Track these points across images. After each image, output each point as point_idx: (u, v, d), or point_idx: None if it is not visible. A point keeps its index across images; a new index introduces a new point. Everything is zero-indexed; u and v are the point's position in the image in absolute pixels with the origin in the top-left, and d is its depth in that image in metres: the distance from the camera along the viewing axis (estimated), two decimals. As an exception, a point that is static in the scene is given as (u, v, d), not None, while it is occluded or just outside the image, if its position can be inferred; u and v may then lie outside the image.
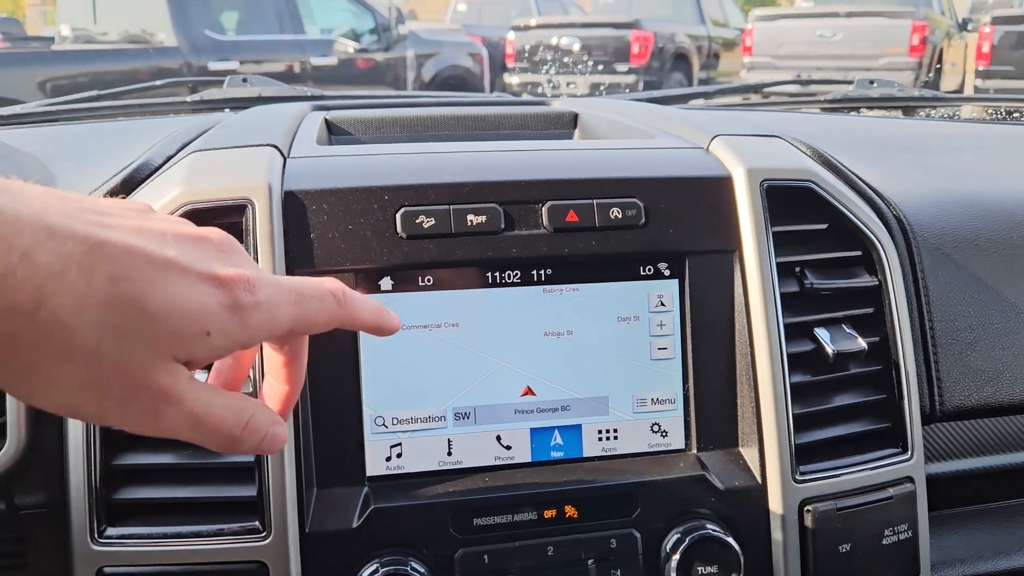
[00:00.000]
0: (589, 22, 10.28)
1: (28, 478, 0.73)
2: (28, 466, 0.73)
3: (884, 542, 0.80)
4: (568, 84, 9.01)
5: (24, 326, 0.39)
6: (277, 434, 0.50)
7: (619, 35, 9.45)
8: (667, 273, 0.79)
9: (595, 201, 0.77)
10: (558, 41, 9.40)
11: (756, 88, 1.94)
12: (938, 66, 9.16)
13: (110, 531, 0.69)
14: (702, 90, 1.71)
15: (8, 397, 0.72)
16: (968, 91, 8.74)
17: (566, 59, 9.16)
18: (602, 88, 8.49)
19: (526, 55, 9.24)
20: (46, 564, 0.80)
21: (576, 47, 9.31)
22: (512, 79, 9.47)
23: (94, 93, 1.49)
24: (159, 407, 0.43)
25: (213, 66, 5.98)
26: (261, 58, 6.45)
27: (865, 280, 0.83)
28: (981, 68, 8.34)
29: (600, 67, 9.15)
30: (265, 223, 0.71)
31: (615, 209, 0.77)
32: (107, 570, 0.69)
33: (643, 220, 0.77)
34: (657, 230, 0.78)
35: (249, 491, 0.70)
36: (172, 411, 0.44)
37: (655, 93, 1.71)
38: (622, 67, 9.39)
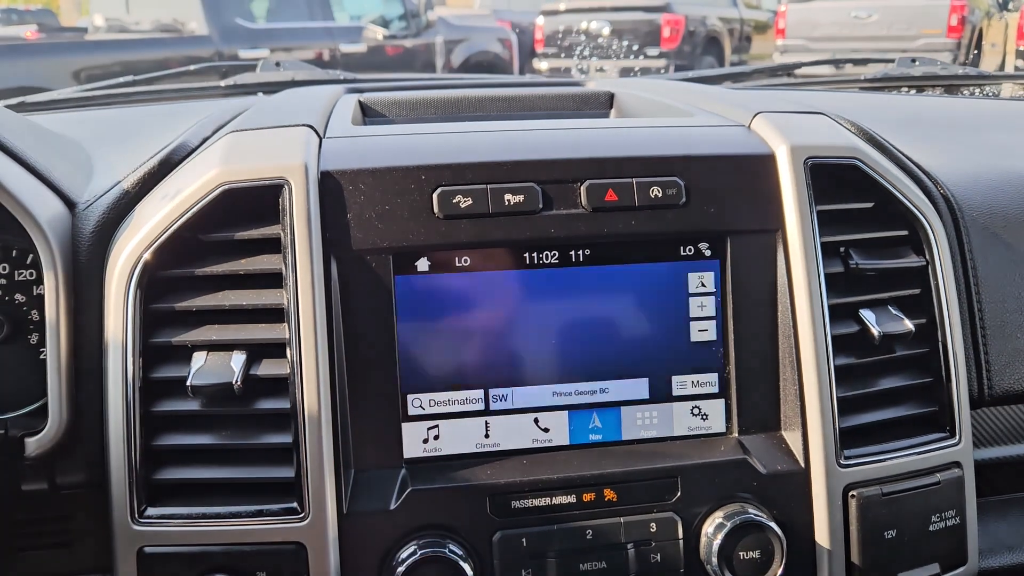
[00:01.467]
0: (619, 6, 10.17)
1: (69, 458, 0.74)
2: (69, 447, 0.73)
3: (931, 528, 0.78)
4: (598, 69, 8.93)
5: None
6: None
7: (650, 19, 9.34)
8: (708, 253, 0.77)
9: (635, 180, 0.75)
10: (588, 25, 9.32)
11: (792, 68, 1.90)
12: (975, 51, 8.96)
13: (150, 511, 0.70)
14: (736, 70, 1.68)
15: (50, 379, 0.72)
16: (1009, 71, 8.54)
17: (596, 43, 9.07)
18: (636, 71, 8.41)
19: (556, 40, 9.18)
20: (89, 543, 0.81)
21: (606, 31, 9.22)
22: (541, 64, 9.41)
23: (129, 78, 1.50)
24: None
25: (244, 54, 6.00)
26: (291, 45, 6.47)
27: (912, 260, 0.81)
28: (1022, 48, 8.14)
29: (631, 51, 9.06)
30: (302, 203, 0.71)
31: (655, 188, 0.75)
32: (147, 550, 0.69)
33: (683, 199, 0.76)
34: (698, 209, 0.76)
35: (287, 472, 0.70)
36: None
37: (689, 74, 1.68)
38: (653, 51, 9.29)
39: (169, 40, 6.33)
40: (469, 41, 8.01)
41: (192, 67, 1.57)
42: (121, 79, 1.49)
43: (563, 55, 8.99)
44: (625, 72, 8.53)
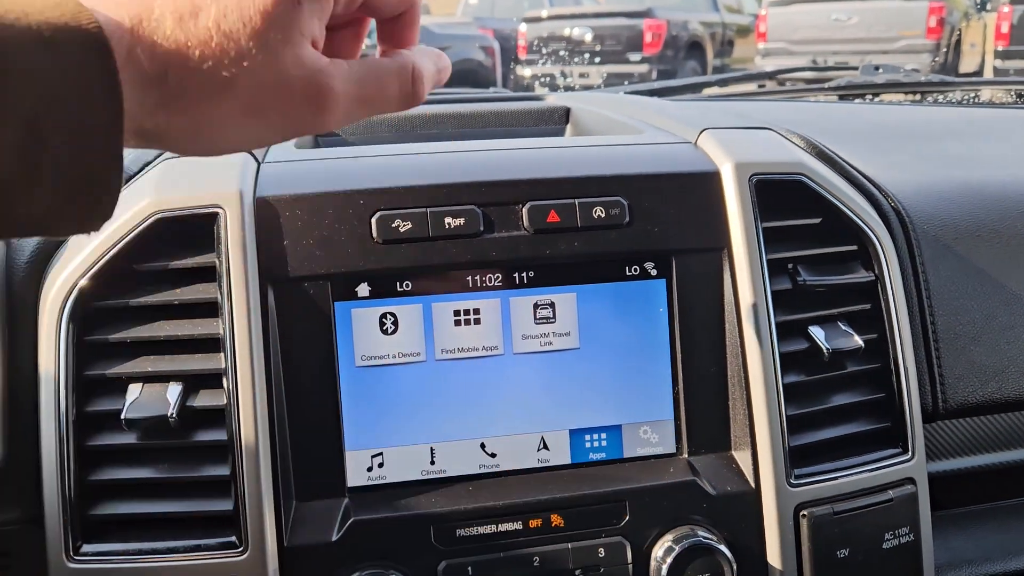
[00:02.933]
0: (601, 12, 10.20)
1: (3, 494, 0.72)
2: (2, 483, 0.72)
3: (884, 546, 0.77)
4: (581, 75, 8.95)
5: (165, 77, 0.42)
6: (442, 59, 0.53)
7: (632, 24, 9.37)
8: (654, 273, 0.76)
9: (577, 200, 0.74)
10: (570, 32, 9.35)
11: (764, 76, 1.90)
12: (951, 52, 9.01)
13: (86, 548, 0.68)
14: (707, 80, 1.68)
15: (-18, 413, 0.71)
16: (988, 73, 8.61)
17: (579, 50, 9.10)
18: (602, 80, 8.41)
19: (538, 47, 9.19)
20: (30, 579, 0.79)
21: (588, 37, 9.25)
22: (524, 71, 9.42)
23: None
24: (321, 84, 0.45)
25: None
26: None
27: (861, 276, 0.81)
28: (1000, 49, 8.20)
29: (613, 57, 9.08)
30: (236, 231, 0.70)
31: (598, 208, 0.74)
32: (83, 588, 0.67)
33: (627, 219, 0.75)
34: (642, 229, 0.75)
35: (226, 505, 0.69)
36: (335, 83, 0.46)
37: (656, 85, 1.68)
38: (635, 57, 9.31)
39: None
40: (452, 49, 8.02)
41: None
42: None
43: (546, 62, 9.01)
44: (609, 77, 8.55)
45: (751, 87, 1.92)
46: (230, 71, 0.43)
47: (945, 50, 8.92)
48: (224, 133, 0.45)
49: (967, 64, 9.53)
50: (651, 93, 1.51)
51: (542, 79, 8.84)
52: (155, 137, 0.44)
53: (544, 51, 9.06)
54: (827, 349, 0.77)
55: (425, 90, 0.51)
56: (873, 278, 0.81)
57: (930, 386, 0.85)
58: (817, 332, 0.78)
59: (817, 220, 0.81)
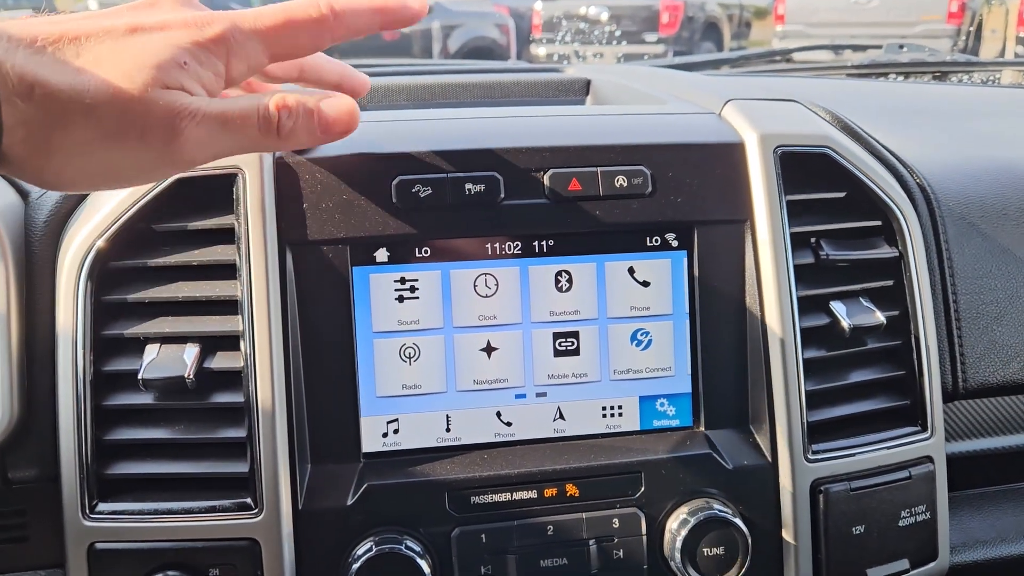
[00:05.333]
0: (618, -9, 10.10)
1: (21, 453, 0.73)
2: (21, 441, 0.72)
3: (900, 524, 0.76)
4: (595, 55, 8.88)
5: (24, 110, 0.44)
6: (340, 105, 0.55)
7: (648, 4, 9.30)
8: (675, 244, 0.75)
9: (599, 169, 0.73)
10: (586, 11, 9.27)
11: (784, 54, 1.88)
12: (973, 37, 8.89)
13: (101, 506, 0.68)
14: (728, 56, 1.66)
15: (0, 374, 0.71)
16: (1008, 58, 8.49)
17: (594, 29, 9.02)
18: (621, 58, 8.35)
19: (553, 26, 9.12)
20: (46, 537, 0.79)
21: (604, 17, 9.17)
22: (539, 50, 9.35)
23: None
24: (174, 124, 0.48)
25: (238, 39, 5.96)
26: (286, 31, 6.44)
27: (884, 251, 0.79)
28: (1022, 34, 8.08)
29: (629, 37, 9.01)
30: (256, 192, 0.69)
31: (620, 177, 0.73)
32: (98, 546, 0.68)
33: (650, 189, 0.74)
34: (664, 199, 0.74)
35: (241, 467, 0.69)
36: (189, 124, 0.48)
37: (677, 60, 1.66)
38: (651, 37, 9.25)
39: (163, 25, 6.30)
40: (466, 26, 7.97)
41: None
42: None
43: (560, 41, 8.94)
44: (625, 58, 8.48)
45: (767, 66, 1.89)
46: (94, 98, 0.45)
47: (965, 36, 8.80)
48: (80, 161, 0.47)
49: (988, 50, 9.39)
50: (673, 68, 1.49)
51: (557, 59, 8.78)
52: (10, 159, 0.46)
53: (559, 30, 8.99)
54: (848, 325, 0.76)
55: (301, 127, 0.53)
56: (897, 254, 0.80)
57: (951, 365, 0.84)
58: (838, 307, 0.77)
59: (842, 194, 0.79)
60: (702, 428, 0.76)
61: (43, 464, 0.72)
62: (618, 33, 8.85)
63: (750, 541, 0.72)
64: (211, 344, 0.70)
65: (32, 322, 0.72)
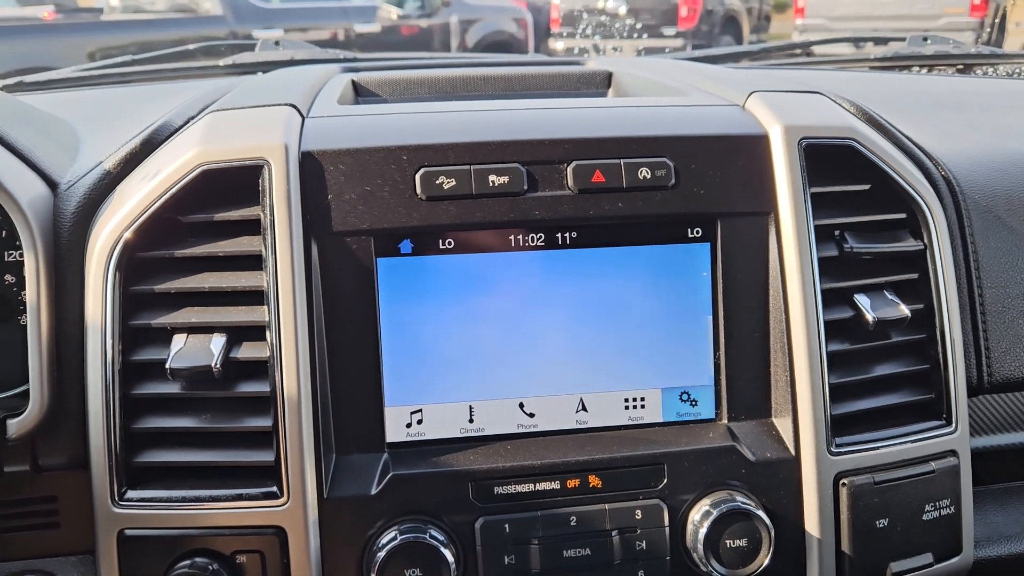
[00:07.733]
0: (636, -15, 10.03)
1: (52, 440, 0.74)
2: (51, 428, 0.73)
3: (924, 517, 0.76)
4: (615, 49, 8.84)
5: None
6: None
7: (667, -2, 9.23)
8: (698, 236, 0.75)
9: (623, 161, 0.73)
10: (604, 5, 9.22)
11: (806, 47, 1.86)
12: (996, 31, 8.77)
13: (130, 494, 0.69)
14: (748, 49, 1.65)
15: (31, 360, 0.72)
16: (1033, 51, 8.37)
17: (612, 23, 8.97)
18: (642, 51, 8.31)
19: (572, 20, 9.08)
20: (77, 523, 0.80)
21: (622, 10, 9.11)
22: (557, 44, 9.32)
23: (128, 58, 1.49)
24: None
25: (258, 34, 5.99)
26: (305, 25, 6.45)
27: (909, 244, 0.79)
28: (1047, 27, 7.97)
29: (647, 31, 8.95)
30: (282, 183, 0.69)
31: (644, 169, 0.73)
32: (128, 532, 0.69)
33: (673, 181, 0.74)
34: (688, 191, 0.74)
35: (267, 456, 0.69)
36: None
37: (697, 53, 1.65)
38: (670, 31, 9.19)
39: (183, 20, 6.33)
40: (484, 21, 7.96)
41: (191, 46, 1.56)
42: (119, 59, 1.48)
43: (579, 35, 8.90)
44: (644, 52, 8.44)
45: (789, 59, 1.88)
46: None
47: (989, 29, 8.69)
48: None
49: (1011, 43, 9.27)
50: (693, 61, 1.49)
51: (577, 52, 8.74)
52: None
53: (578, 24, 8.95)
54: (872, 318, 0.76)
55: None
56: (922, 247, 0.79)
57: (975, 359, 0.83)
58: (863, 300, 0.77)
59: (866, 186, 0.79)
60: (725, 420, 0.76)
61: (73, 451, 0.73)
62: (637, 27, 8.80)
63: (773, 533, 0.71)
64: (237, 334, 0.71)
65: (61, 312, 0.73)
